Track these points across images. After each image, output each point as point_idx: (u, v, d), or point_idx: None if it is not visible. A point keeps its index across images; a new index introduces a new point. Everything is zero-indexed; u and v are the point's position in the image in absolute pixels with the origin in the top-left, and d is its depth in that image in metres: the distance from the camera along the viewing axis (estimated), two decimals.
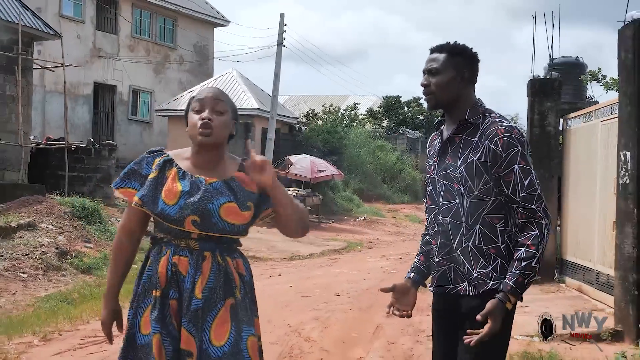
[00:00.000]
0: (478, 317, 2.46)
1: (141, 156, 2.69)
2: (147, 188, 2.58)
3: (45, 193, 13.73)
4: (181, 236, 2.55)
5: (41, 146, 17.06)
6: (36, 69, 16.78)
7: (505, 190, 2.55)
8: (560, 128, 9.73)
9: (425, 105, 2.89)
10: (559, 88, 9.58)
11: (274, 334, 6.46)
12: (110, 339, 2.75)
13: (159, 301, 2.52)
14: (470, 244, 2.60)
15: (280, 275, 10.95)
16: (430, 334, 2.88)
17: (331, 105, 32.26)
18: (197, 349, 2.49)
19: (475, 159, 2.59)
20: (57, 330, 6.40)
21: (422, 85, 2.73)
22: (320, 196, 21.47)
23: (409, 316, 2.81)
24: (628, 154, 6.06)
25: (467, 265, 2.60)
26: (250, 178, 2.57)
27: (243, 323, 2.55)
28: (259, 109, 22.76)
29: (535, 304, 7.77)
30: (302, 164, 20.50)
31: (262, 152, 22.02)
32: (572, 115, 9.42)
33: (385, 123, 36.21)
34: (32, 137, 17.23)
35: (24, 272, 9.30)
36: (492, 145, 2.56)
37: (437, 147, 2.78)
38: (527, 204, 2.52)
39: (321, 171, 20.51)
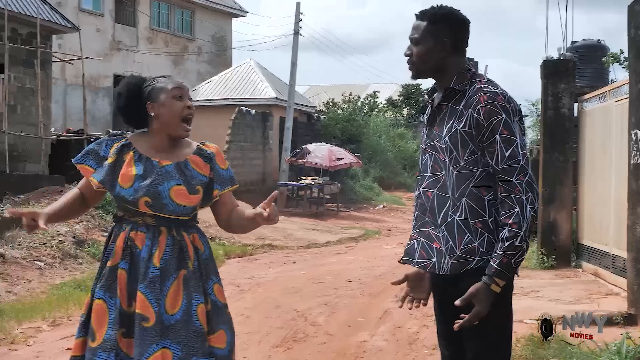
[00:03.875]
0: (457, 302, 2.36)
1: (102, 138, 2.87)
2: (106, 173, 2.77)
3: (65, 184, 13.86)
4: (138, 215, 2.73)
5: (61, 138, 17.23)
6: (55, 62, 16.90)
7: (490, 161, 2.43)
8: (576, 110, 9.57)
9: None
10: (573, 69, 9.40)
11: (280, 319, 6.45)
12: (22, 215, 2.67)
13: (108, 271, 2.69)
14: (456, 217, 2.47)
15: (295, 263, 10.93)
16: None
17: (351, 94, 32.10)
18: (156, 314, 2.62)
19: (459, 128, 2.46)
20: (66, 316, 6.46)
21: (405, 55, 2.62)
22: (339, 184, 21.41)
23: (425, 304, 2.69)
24: (639, 132, 5.93)
25: (451, 241, 2.48)
26: (262, 220, 2.71)
27: (194, 292, 2.71)
28: (276, 98, 22.72)
29: (548, 289, 7.68)
30: (320, 152, 20.40)
31: (280, 142, 22.00)
32: (586, 96, 9.25)
33: (405, 111, 35.99)
34: (52, 130, 17.40)
35: (40, 261, 9.39)
36: (475, 114, 2.43)
37: (427, 116, 2.68)
38: (506, 177, 2.38)
39: (339, 159, 20.40)
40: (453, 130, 2.48)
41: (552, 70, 9.41)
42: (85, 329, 2.72)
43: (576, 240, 9.51)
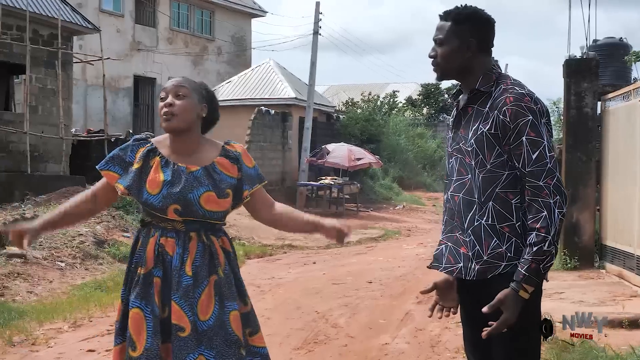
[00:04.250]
0: (485, 309, 2.31)
1: (127, 143, 2.81)
2: (132, 178, 2.72)
3: (86, 184, 13.94)
4: (167, 221, 2.69)
5: (82, 138, 17.34)
6: (76, 62, 17.02)
7: (516, 164, 2.38)
8: (599, 110, 9.44)
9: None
10: (596, 68, 9.27)
11: (301, 320, 6.43)
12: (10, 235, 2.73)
13: (142, 278, 2.65)
14: (483, 221, 2.42)
15: (315, 263, 10.91)
16: (460, 320, 2.74)
17: (370, 94, 32.02)
18: (191, 323, 2.61)
19: (485, 130, 2.41)
20: (87, 317, 6.48)
21: (429, 56, 2.57)
22: (359, 184, 21.36)
23: (455, 313, 2.65)
24: None
25: (477, 246, 2.43)
26: (332, 238, 2.82)
27: (226, 298, 2.69)
28: (295, 98, 22.69)
29: (571, 290, 7.58)
30: (339, 152, 20.38)
31: (300, 142, 21.98)
32: (610, 95, 9.12)
33: (424, 111, 35.83)
34: (73, 130, 17.52)
35: (61, 261, 9.44)
36: (501, 116, 2.38)
37: (452, 118, 2.63)
38: (533, 180, 2.33)
39: (358, 159, 20.36)
40: (479, 133, 2.44)
41: (574, 69, 9.28)
42: (122, 335, 2.70)
43: (599, 240, 9.38)
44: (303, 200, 20.29)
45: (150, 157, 2.72)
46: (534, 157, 2.34)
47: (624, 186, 8.54)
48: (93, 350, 5.30)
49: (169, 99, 2.72)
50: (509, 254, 2.40)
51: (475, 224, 2.45)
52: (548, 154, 2.35)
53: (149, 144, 2.76)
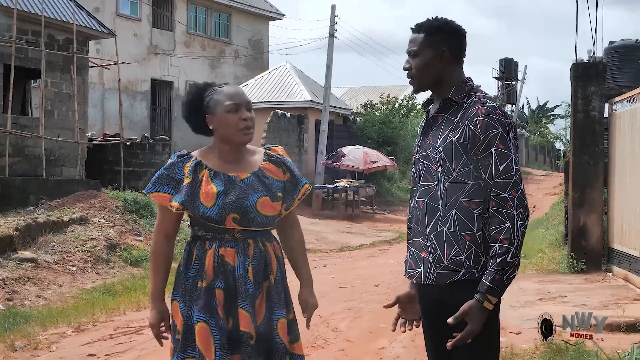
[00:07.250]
0: (449, 320, 2.34)
1: (171, 161, 2.79)
2: (185, 193, 2.69)
3: (101, 188, 14.08)
4: (225, 231, 2.70)
5: (97, 142, 17.53)
6: (92, 67, 17.23)
7: (483, 174, 2.42)
8: (607, 113, 9.38)
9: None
10: (603, 72, 9.22)
11: (301, 325, 6.42)
12: (160, 340, 2.84)
13: (204, 291, 2.66)
14: (445, 228, 2.47)
15: (325, 267, 10.94)
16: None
17: (388, 96, 31.94)
18: (255, 329, 2.65)
19: (454, 139, 2.46)
20: (92, 321, 6.56)
21: (404, 69, 2.63)
22: (375, 187, 21.37)
23: (417, 326, 2.69)
24: None
25: (439, 251, 2.48)
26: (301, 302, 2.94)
27: (275, 306, 2.74)
28: (312, 100, 22.77)
29: (575, 294, 7.55)
30: (355, 155, 20.43)
31: (316, 144, 22.04)
32: (617, 99, 9.06)
33: None
34: (89, 134, 17.72)
35: (72, 265, 9.55)
36: (471, 126, 2.43)
37: (421, 127, 2.69)
38: (499, 191, 2.38)
39: (374, 162, 20.40)
40: (447, 141, 2.48)
41: (581, 73, 9.24)
42: (184, 352, 2.68)
43: (607, 244, 9.33)
44: (319, 203, 20.35)
45: (198, 171, 2.72)
46: (501, 168, 2.39)
47: (630, 191, 8.49)
48: (93, 355, 5.37)
49: (248, 114, 2.76)
50: (467, 263, 2.44)
51: (438, 230, 2.50)
52: (514, 167, 2.41)
53: (193, 158, 2.76)
